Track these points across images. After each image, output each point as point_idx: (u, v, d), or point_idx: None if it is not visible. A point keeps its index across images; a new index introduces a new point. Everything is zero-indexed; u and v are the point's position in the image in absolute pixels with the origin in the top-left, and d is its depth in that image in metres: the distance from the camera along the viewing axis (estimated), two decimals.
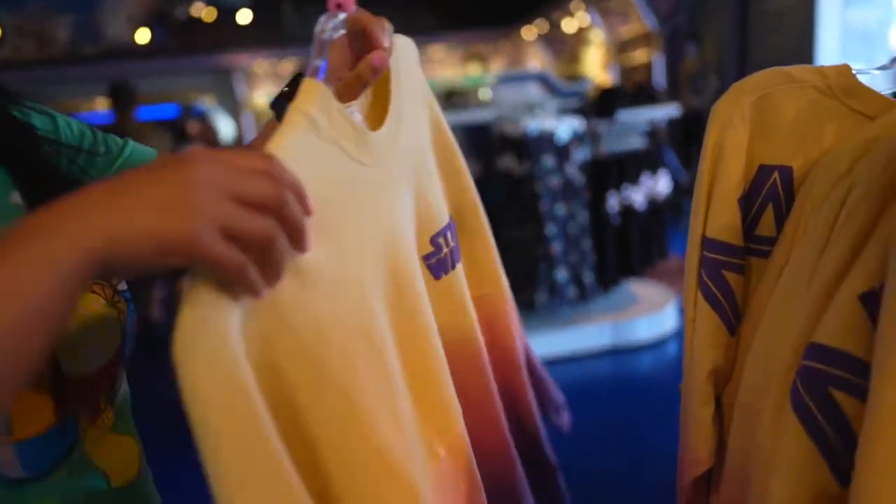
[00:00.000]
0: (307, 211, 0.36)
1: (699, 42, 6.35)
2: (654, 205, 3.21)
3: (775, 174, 0.60)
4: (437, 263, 0.55)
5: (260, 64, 9.12)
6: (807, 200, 0.55)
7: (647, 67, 7.15)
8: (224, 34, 8.03)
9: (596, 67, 8.55)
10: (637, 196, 3.11)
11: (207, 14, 7.83)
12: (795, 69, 0.59)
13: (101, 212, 0.31)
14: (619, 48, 7.97)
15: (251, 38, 8.11)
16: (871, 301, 0.43)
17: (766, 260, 0.61)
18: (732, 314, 0.61)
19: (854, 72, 0.58)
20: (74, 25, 7.94)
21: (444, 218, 0.59)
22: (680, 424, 0.69)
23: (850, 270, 0.45)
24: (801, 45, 5.03)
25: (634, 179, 3.10)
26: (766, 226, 0.61)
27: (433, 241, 0.55)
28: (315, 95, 0.41)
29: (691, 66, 6.50)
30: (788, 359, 0.48)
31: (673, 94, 6.41)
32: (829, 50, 4.96)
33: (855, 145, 0.52)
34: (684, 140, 5.99)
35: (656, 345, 3.15)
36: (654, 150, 3.25)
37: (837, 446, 0.43)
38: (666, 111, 3.31)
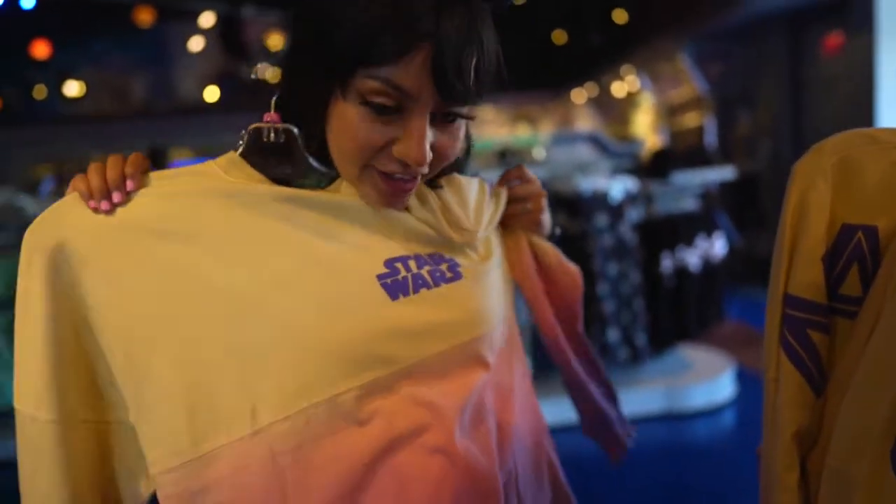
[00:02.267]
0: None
1: (752, 106, 6.34)
2: (709, 267, 3.15)
3: (859, 234, 0.59)
4: (392, 284, 0.58)
5: None
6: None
7: (698, 131, 7.15)
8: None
9: (645, 130, 8.60)
10: (692, 258, 3.07)
11: (272, 75, 8.30)
12: (878, 131, 0.60)
13: None
14: (669, 111, 8.02)
15: None
16: None
17: (853, 321, 0.60)
18: (818, 374, 0.60)
19: None
20: (149, 83, 8.54)
21: (413, 251, 0.63)
22: (760, 489, 0.67)
23: None
24: (857, 110, 4.97)
25: (689, 241, 3.06)
26: (852, 285, 0.60)
27: (387, 263, 0.59)
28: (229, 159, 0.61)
29: (744, 129, 6.47)
30: (885, 420, 0.47)
31: (725, 157, 6.37)
32: (887, 115, 4.88)
33: None
34: (737, 204, 5.91)
35: (711, 413, 3.02)
36: (708, 212, 3.22)
37: None
38: (721, 174, 3.29)
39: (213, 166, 0.60)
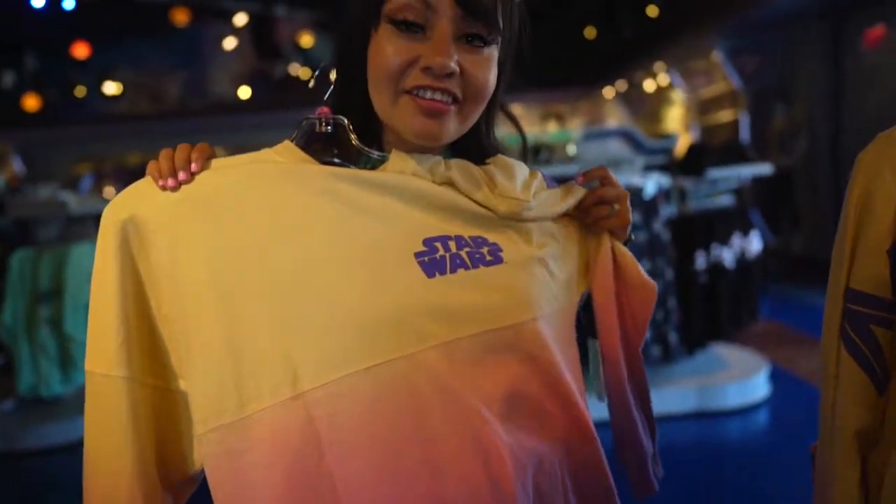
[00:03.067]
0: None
1: (788, 101, 6.20)
2: (744, 265, 3.09)
3: None
4: (430, 262, 0.60)
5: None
6: None
7: (732, 126, 7.01)
8: (320, 92, 8.53)
9: (676, 126, 8.47)
10: (727, 255, 3.01)
11: (303, 73, 8.39)
12: None
13: None
14: (701, 107, 7.88)
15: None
16: None
17: None
18: (881, 372, 0.58)
19: None
20: (184, 82, 8.70)
21: (454, 231, 0.64)
22: (816, 486, 0.65)
23: None
24: None
25: (723, 239, 3.01)
26: None
27: (425, 242, 0.61)
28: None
29: (780, 125, 6.33)
30: None
31: (759, 153, 6.25)
32: None
33: None
34: (771, 201, 5.77)
35: (745, 412, 2.97)
36: (743, 209, 3.16)
37: None
38: (757, 170, 3.22)
39: (268, 152, 0.65)
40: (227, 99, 8.62)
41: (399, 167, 0.64)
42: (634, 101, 9.54)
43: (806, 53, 5.87)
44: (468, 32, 0.61)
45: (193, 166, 0.60)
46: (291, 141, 0.67)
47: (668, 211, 2.86)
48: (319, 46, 8.12)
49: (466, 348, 0.58)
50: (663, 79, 8.25)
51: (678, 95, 8.35)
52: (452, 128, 0.64)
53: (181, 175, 0.59)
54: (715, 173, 2.96)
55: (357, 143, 0.65)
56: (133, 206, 0.59)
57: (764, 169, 3.22)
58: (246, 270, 0.57)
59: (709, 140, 7.16)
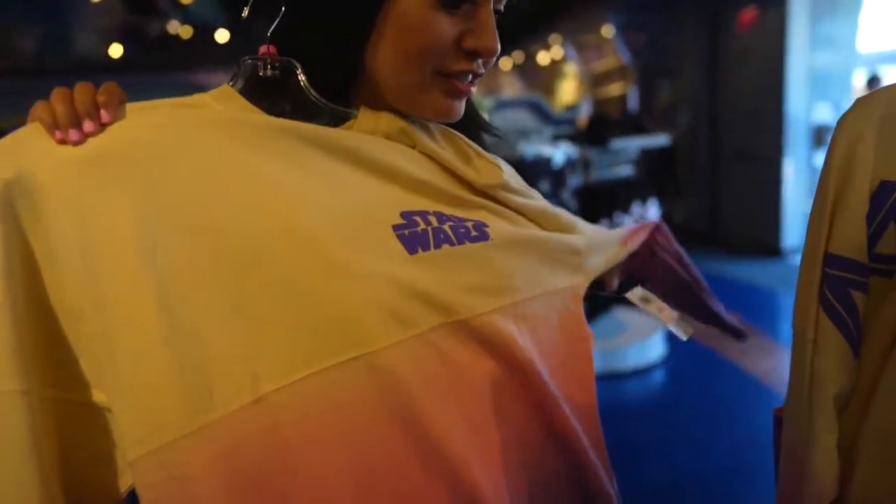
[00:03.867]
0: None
1: (671, 77, 6.56)
2: None
3: None
4: (410, 236, 0.52)
5: None
6: None
7: (621, 100, 7.33)
8: (200, 52, 7.92)
9: (570, 99, 8.74)
10: (628, 223, 3.14)
11: (184, 31, 7.73)
12: None
13: None
14: (593, 81, 8.17)
15: (229, 57, 8.02)
16: None
17: (888, 280, 0.59)
18: (857, 335, 0.59)
19: None
20: (41, 37, 7.73)
21: (434, 207, 0.57)
22: (784, 451, 0.66)
23: None
24: (769, 81, 5.23)
25: (625, 207, 3.14)
26: (888, 243, 0.59)
27: (404, 214, 0.53)
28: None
29: (664, 99, 6.69)
30: None
31: (646, 126, 6.59)
32: (797, 87, 5.17)
33: None
34: (656, 172, 6.13)
35: (644, 372, 3.16)
36: (642, 178, 3.30)
37: None
38: (656, 141, 3.37)
39: (203, 97, 0.54)
40: (94, 58, 7.76)
41: (368, 126, 0.55)
42: (529, 72, 9.72)
43: (687, 32, 6.21)
44: (496, 7, 0.56)
45: (103, 114, 0.46)
46: (230, 85, 0.55)
47: (575, 181, 2.93)
48: (202, 2, 7.50)
49: (454, 335, 0.51)
50: (557, 52, 8.45)
51: (571, 68, 8.60)
52: None
53: (87, 125, 0.45)
54: (617, 144, 3.06)
55: (313, 93, 0.55)
56: (18, 162, 0.44)
57: (661, 140, 3.37)
58: (187, 248, 0.45)
59: (600, 112, 7.45)
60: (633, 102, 7.07)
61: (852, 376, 0.59)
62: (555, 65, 8.91)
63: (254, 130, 0.50)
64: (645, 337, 3.20)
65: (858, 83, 5.51)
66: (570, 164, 2.90)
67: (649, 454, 2.36)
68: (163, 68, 7.97)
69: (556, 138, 3.04)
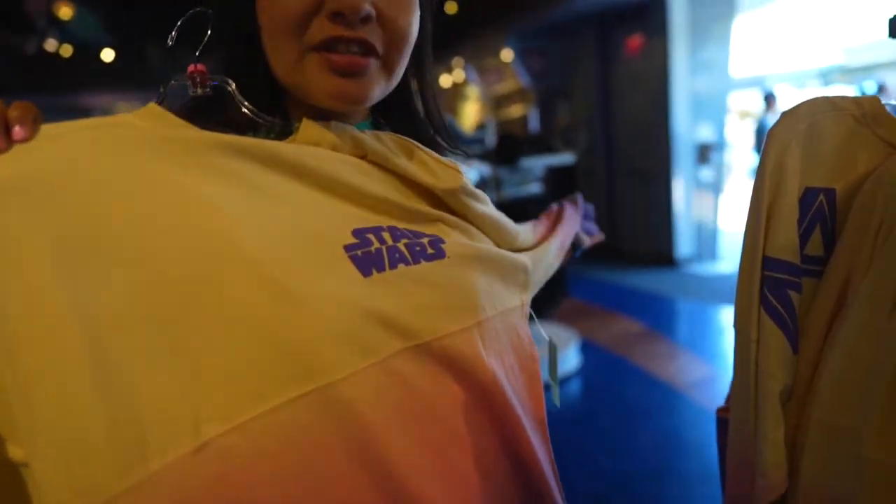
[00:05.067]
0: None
1: (569, 99, 6.88)
2: None
3: (821, 196, 0.63)
4: (363, 256, 0.49)
5: (124, 106, 8.51)
6: (869, 221, 0.58)
7: (522, 121, 7.60)
8: (83, 73, 7.41)
9: (473, 120, 8.95)
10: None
11: (63, 50, 7.20)
12: (837, 98, 0.63)
13: None
14: (495, 103, 8.42)
15: (114, 78, 7.56)
16: None
17: (818, 279, 0.63)
18: (795, 332, 0.62)
19: (883, 103, 0.63)
20: None
21: (387, 223, 0.55)
22: (730, 449, 0.69)
23: None
24: (657, 104, 5.62)
25: None
26: (815, 245, 0.63)
27: (356, 233, 0.50)
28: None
29: (563, 121, 7.01)
30: (894, 374, 0.49)
31: (548, 146, 6.87)
32: (681, 109, 5.59)
33: None
34: (558, 190, 6.40)
35: (560, 383, 3.24)
36: (550, 196, 3.41)
37: None
38: (562, 159, 3.51)
39: (125, 116, 0.48)
40: None
41: (314, 138, 0.52)
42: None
43: (582, 57, 6.56)
44: None
45: (17, 131, 0.39)
46: (157, 104, 0.51)
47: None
48: (81, 19, 7.03)
49: (416, 359, 0.48)
50: (459, 75, 8.66)
51: (473, 91, 8.83)
52: (377, 87, 0.53)
53: None
54: (527, 163, 3.16)
55: (249, 107, 0.52)
56: None
57: (566, 159, 3.51)
58: (114, 283, 0.39)
59: (511, 132, 7.71)
60: (534, 123, 7.35)
61: (793, 372, 0.62)
62: (457, 87, 9.12)
63: (185, 147, 0.45)
64: (562, 348, 3.30)
65: (733, 104, 6.04)
66: (483, 182, 2.96)
67: (573, 462, 2.41)
68: (41, 89, 7.38)
69: (468, 157, 3.10)
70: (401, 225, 0.55)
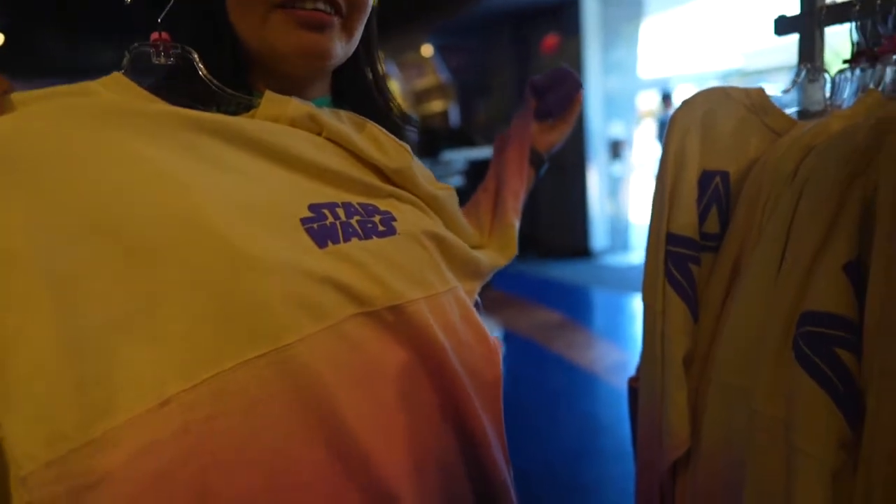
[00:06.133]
0: None
1: (488, 95, 7.01)
2: None
3: (717, 178, 0.69)
4: (319, 229, 0.52)
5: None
6: (757, 200, 0.64)
7: (443, 116, 7.65)
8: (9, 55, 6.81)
9: None
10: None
11: None
12: (731, 89, 0.69)
13: None
14: (415, 98, 8.43)
15: (2, 66, 6.98)
16: (852, 270, 0.51)
17: (715, 254, 0.69)
18: (695, 303, 0.68)
19: (768, 94, 0.70)
20: None
21: (341, 198, 0.57)
22: (641, 415, 0.74)
23: (826, 248, 0.53)
24: None
25: None
26: (712, 223, 0.69)
27: (311, 207, 0.53)
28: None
29: (482, 116, 7.13)
30: (780, 332, 0.55)
31: (467, 141, 6.97)
32: (594, 107, 5.83)
33: (794, 154, 0.62)
34: (477, 181, 6.51)
35: None
36: (470, 189, 3.48)
37: (847, 397, 0.50)
38: (484, 153, 3.57)
39: (91, 84, 0.49)
40: None
41: (273, 113, 0.53)
42: None
43: (500, 54, 6.69)
44: None
45: None
46: (122, 73, 0.51)
47: None
48: None
49: (369, 325, 0.50)
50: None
51: (394, 85, 8.81)
52: (338, 45, 0.56)
53: None
54: (448, 156, 3.19)
55: (212, 80, 0.53)
56: None
57: (487, 153, 3.58)
58: (84, 251, 0.41)
59: (431, 126, 7.73)
60: (455, 118, 7.43)
61: (694, 339, 0.68)
62: None
63: (151, 121, 0.47)
64: None
65: (641, 104, 6.36)
66: None
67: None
68: None
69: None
70: (355, 200, 0.56)
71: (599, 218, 5.94)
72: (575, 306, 4.51)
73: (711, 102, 0.68)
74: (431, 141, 3.26)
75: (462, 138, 3.55)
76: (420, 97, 8.29)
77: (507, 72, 6.64)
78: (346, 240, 0.52)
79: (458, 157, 3.29)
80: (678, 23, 7.45)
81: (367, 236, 0.54)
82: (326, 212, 0.52)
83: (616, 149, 5.87)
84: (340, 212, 0.53)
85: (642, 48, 5.98)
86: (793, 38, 0.77)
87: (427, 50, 7.22)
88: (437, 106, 7.86)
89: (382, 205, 0.58)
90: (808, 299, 0.53)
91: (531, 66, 6.42)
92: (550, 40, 6.13)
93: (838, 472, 0.49)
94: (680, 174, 0.67)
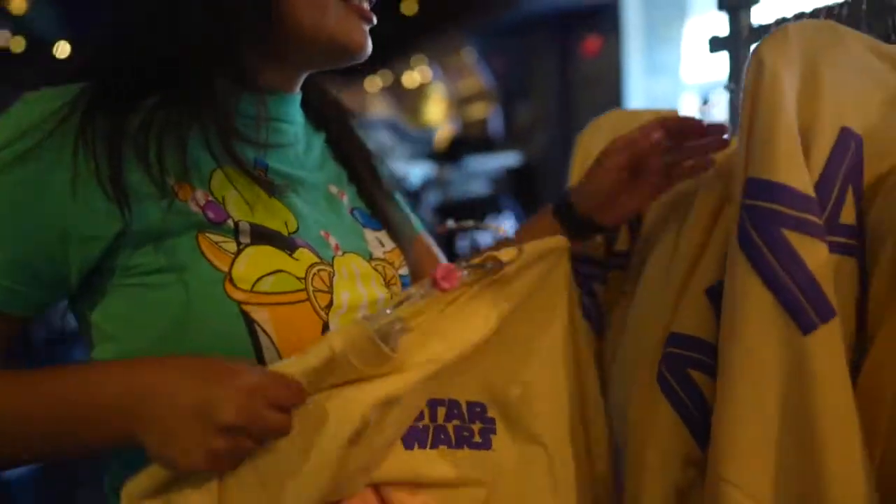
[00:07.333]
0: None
1: (529, 99, 6.99)
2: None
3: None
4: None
5: None
6: (656, 216, 0.66)
7: (484, 121, 7.68)
8: (36, 68, 7.26)
9: (437, 119, 9.00)
10: (485, 239, 3.32)
11: (15, 44, 7.04)
12: (642, 112, 0.71)
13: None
14: (459, 102, 8.49)
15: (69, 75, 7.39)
16: (714, 294, 0.53)
17: (623, 272, 0.71)
18: (601, 320, 0.70)
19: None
20: None
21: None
22: None
23: (695, 270, 0.55)
24: (613, 105, 5.71)
25: (481, 222, 3.31)
26: (623, 241, 0.71)
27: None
28: None
29: (523, 121, 7.11)
30: (654, 348, 0.57)
31: (509, 146, 6.97)
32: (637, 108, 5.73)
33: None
34: (519, 189, 6.49)
35: None
36: (495, 195, 3.50)
37: (697, 417, 0.52)
38: (506, 160, 3.59)
39: None
40: None
41: None
42: (399, 93, 9.89)
43: (540, 58, 6.67)
44: None
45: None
46: None
47: (433, 198, 3.05)
48: (36, 11, 6.90)
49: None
50: (424, 73, 8.70)
51: (438, 90, 8.89)
52: None
53: None
54: (472, 162, 3.23)
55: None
56: None
57: (510, 159, 3.60)
58: None
59: (468, 133, 7.77)
60: (497, 123, 7.45)
61: (600, 361, 0.70)
62: (422, 87, 9.16)
63: None
64: None
65: (685, 107, 6.21)
66: (428, 182, 3.02)
67: None
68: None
69: (413, 157, 3.16)
70: None
71: None
72: None
73: (618, 127, 0.70)
74: (456, 147, 3.30)
75: (487, 144, 3.58)
76: (464, 101, 8.33)
77: (546, 76, 6.60)
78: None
79: (484, 163, 3.33)
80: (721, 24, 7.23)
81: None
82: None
83: None
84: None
85: (685, 50, 5.84)
86: None
87: (468, 53, 7.26)
88: (479, 110, 7.88)
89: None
90: (676, 320, 0.55)
91: (572, 68, 6.37)
92: (592, 42, 6.06)
93: (684, 489, 0.51)
94: None
